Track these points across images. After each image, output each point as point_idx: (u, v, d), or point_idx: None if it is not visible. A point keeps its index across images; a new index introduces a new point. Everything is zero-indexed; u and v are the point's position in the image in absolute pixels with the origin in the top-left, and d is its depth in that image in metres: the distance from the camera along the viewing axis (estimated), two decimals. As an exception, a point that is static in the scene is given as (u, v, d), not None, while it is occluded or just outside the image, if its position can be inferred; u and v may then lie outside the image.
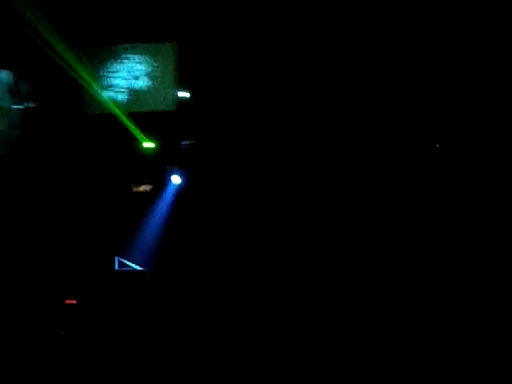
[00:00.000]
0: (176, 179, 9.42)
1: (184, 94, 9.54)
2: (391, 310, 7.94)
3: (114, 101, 9.48)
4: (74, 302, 8.23)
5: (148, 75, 9.59)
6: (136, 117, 9.41)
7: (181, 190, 9.41)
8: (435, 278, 8.02)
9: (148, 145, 9.49)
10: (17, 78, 8.98)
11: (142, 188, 9.45)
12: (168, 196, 9.41)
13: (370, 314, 7.98)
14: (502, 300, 7.58)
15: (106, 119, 9.36)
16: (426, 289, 7.98)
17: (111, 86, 9.59)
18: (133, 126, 9.35)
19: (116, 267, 8.55)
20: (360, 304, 8.08)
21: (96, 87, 9.35)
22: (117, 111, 9.34)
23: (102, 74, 9.53)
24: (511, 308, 7.42)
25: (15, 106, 8.99)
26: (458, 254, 8.04)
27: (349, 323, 7.97)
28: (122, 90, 9.58)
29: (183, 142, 9.48)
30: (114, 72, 9.58)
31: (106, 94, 9.49)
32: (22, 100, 9.06)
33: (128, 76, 9.60)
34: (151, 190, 9.46)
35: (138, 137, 9.41)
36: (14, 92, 9.02)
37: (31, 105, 9.08)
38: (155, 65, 9.59)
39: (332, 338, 7.91)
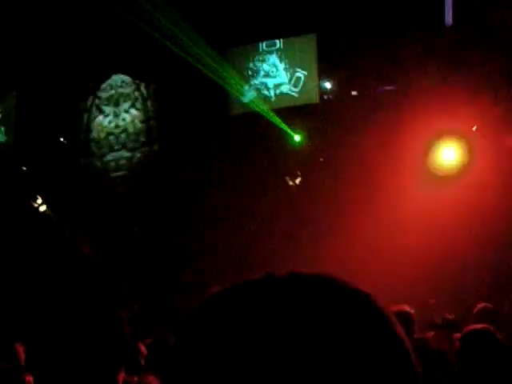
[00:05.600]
0: None
1: (327, 85, 9.61)
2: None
3: (259, 99, 9.62)
4: None
5: (289, 70, 9.70)
6: (282, 112, 9.51)
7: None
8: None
9: (297, 138, 9.59)
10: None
11: (298, 181, 9.52)
12: None
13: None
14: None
15: (252, 118, 9.51)
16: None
17: (254, 84, 9.75)
18: (280, 122, 9.45)
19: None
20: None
21: (239, 87, 9.55)
22: (263, 109, 9.47)
23: (244, 73, 9.73)
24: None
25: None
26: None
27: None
28: (265, 87, 9.73)
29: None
30: (255, 70, 9.75)
31: (250, 93, 9.67)
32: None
33: (270, 72, 9.73)
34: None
35: (287, 132, 9.52)
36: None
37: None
38: (296, 58, 9.68)
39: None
